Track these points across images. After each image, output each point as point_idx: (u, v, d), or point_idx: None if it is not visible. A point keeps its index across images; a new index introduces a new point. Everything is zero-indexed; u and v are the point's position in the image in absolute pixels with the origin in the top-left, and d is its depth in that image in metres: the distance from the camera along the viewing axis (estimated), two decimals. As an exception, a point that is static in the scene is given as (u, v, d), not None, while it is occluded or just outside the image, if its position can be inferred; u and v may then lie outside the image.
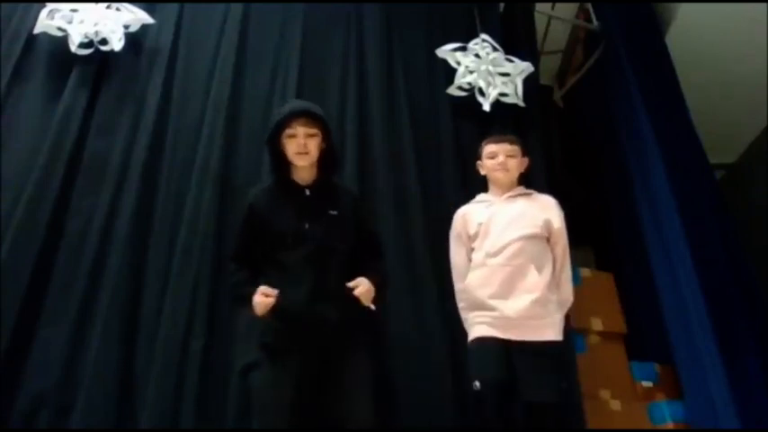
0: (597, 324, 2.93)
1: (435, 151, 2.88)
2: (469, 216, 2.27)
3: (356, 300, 1.89)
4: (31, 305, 2.17)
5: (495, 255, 2.12)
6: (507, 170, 2.26)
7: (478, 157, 2.36)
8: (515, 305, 2.02)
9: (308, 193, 2.02)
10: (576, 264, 3.18)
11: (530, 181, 2.90)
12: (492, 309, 2.04)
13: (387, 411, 2.26)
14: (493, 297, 2.06)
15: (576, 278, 3.03)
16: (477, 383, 1.95)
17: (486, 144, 2.35)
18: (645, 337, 3.04)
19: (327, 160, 2.09)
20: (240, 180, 2.58)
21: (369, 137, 2.82)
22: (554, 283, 2.13)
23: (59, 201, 2.36)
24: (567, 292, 2.18)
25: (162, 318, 2.24)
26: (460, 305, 2.22)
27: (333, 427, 1.83)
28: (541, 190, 2.87)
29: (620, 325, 3.01)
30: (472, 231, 2.22)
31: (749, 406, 2.47)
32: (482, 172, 2.36)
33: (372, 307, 1.93)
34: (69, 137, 2.47)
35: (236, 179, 2.58)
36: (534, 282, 2.06)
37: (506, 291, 2.05)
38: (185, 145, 2.61)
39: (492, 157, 2.29)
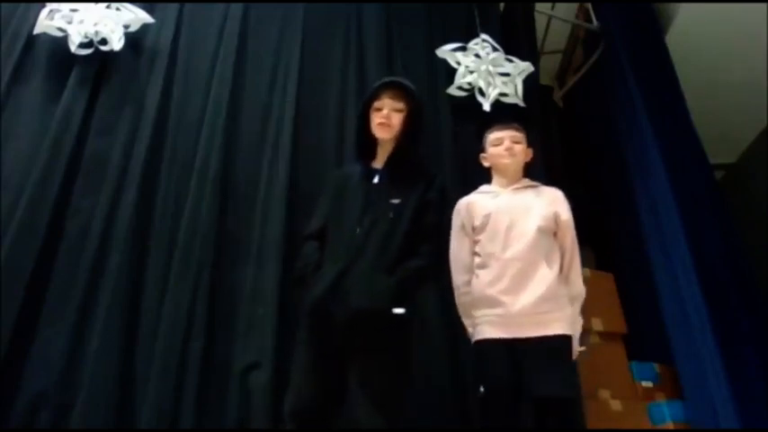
0: (597, 324, 2.93)
1: (435, 151, 2.88)
2: (474, 207, 2.17)
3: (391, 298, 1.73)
4: (31, 305, 2.17)
5: (505, 249, 2.04)
6: (514, 155, 2.18)
7: (482, 150, 2.28)
8: (523, 301, 1.95)
9: (375, 180, 1.93)
10: (576, 264, 3.20)
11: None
12: (500, 305, 1.97)
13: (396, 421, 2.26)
14: (503, 293, 1.98)
15: (577, 278, 3.03)
16: (482, 389, 1.91)
17: (490, 132, 2.26)
18: (645, 337, 3.04)
19: (408, 140, 1.99)
20: (239, 180, 2.59)
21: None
22: (563, 278, 2.07)
23: (59, 201, 2.36)
24: (578, 285, 2.10)
25: (162, 318, 2.24)
26: (462, 300, 2.14)
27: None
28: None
29: (620, 325, 3.00)
30: (477, 223, 2.13)
31: (749, 406, 2.47)
32: (486, 163, 2.27)
33: (396, 310, 1.73)
34: (69, 137, 2.47)
35: (235, 179, 2.58)
36: (544, 277, 1.99)
37: (517, 286, 1.98)
38: (185, 145, 2.61)
39: (497, 144, 2.21)
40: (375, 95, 1.98)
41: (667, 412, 2.69)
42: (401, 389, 1.76)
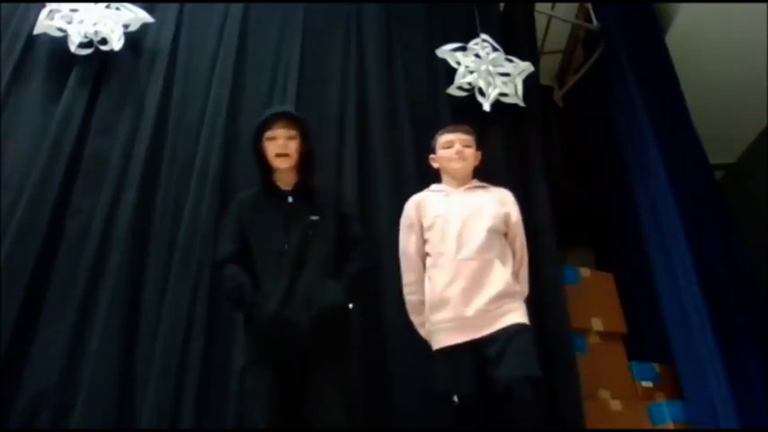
0: (597, 324, 2.93)
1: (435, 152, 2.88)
2: (425, 205, 2.20)
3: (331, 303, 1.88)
4: (31, 305, 2.17)
5: (459, 249, 2.04)
6: (464, 159, 2.21)
7: (432, 151, 2.31)
8: (480, 301, 1.96)
9: (290, 199, 2.04)
10: (575, 264, 3.21)
11: (529, 180, 2.93)
12: (457, 308, 1.97)
13: (385, 412, 2.26)
14: (460, 294, 1.98)
15: (576, 278, 3.03)
16: (456, 398, 1.90)
17: (440, 134, 2.30)
18: (645, 337, 3.04)
19: (307, 163, 2.12)
20: (239, 180, 2.58)
21: (369, 137, 2.82)
22: (514, 277, 2.09)
23: (59, 201, 2.36)
24: (525, 285, 2.14)
25: (162, 318, 2.24)
26: (410, 298, 2.16)
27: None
28: (541, 190, 2.91)
29: (620, 325, 3.00)
30: (427, 222, 2.15)
31: (749, 406, 2.47)
32: (435, 165, 2.30)
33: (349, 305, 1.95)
34: (69, 137, 2.47)
35: (235, 179, 2.59)
36: (501, 275, 2.01)
37: (474, 286, 1.99)
38: (185, 145, 2.62)
39: (448, 147, 2.24)
40: (267, 126, 2.08)
41: (667, 412, 2.69)
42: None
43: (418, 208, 2.21)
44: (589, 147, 3.97)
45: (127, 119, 2.60)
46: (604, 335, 2.93)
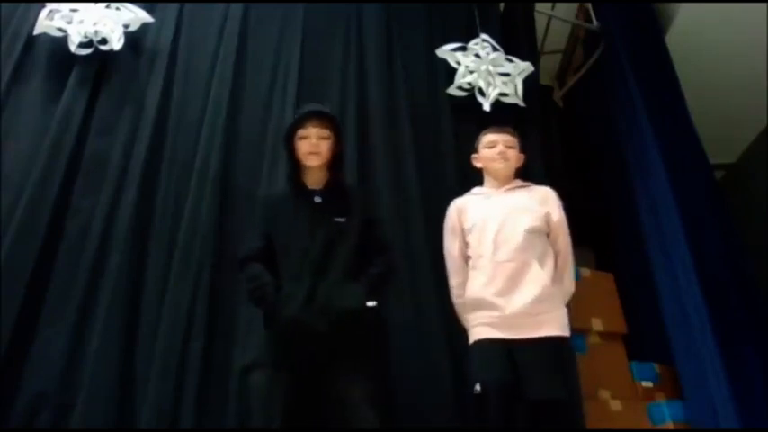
0: (597, 324, 2.93)
1: (435, 151, 2.88)
2: (466, 208, 2.22)
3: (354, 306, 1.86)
4: (31, 305, 2.17)
5: (497, 251, 2.05)
6: (507, 159, 2.21)
7: (474, 150, 2.32)
8: (519, 302, 1.97)
9: (317, 200, 2.02)
10: (575, 264, 3.20)
11: (529, 180, 2.92)
12: (494, 308, 1.98)
13: (386, 411, 2.26)
14: (497, 295, 1.99)
15: (576, 278, 3.02)
16: (478, 387, 1.90)
17: (484, 134, 2.30)
18: (645, 337, 3.04)
19: (338, 164, 2.11)
20: (239, 180, 2.59)
21: (369, 137, 2.82)
22: (558, 278, 2.09)
23: (59, 201, 2.36)
24: (570, 285, 2.14)
25: (162, 318, 2.24)
26: (457, 301, 2.18)
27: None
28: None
29: (620, 325, 3.00)
30: (468, 225, 2.17)
31: (749, 406, 2.47)
32: (478, 164, 2.30)
33: (371, 303, 1.89)
34: (69, 137, 2.47)
35: (235, 179, 2.59)
36: (538, 277, 2.01)
37: (511, 287, 1.99)
38: (185, 145, 2.62)
39: (491, 147, 2.24)
40: (300, 124, 2.05)
41: (667, 412, 2.69)
42: (383, 377, 1.96)
43: (459, 212, 2.23)
44: (589, 147, 3.97)
45: (127, 119, 2.60)
46: (604, 335, 2.93)
